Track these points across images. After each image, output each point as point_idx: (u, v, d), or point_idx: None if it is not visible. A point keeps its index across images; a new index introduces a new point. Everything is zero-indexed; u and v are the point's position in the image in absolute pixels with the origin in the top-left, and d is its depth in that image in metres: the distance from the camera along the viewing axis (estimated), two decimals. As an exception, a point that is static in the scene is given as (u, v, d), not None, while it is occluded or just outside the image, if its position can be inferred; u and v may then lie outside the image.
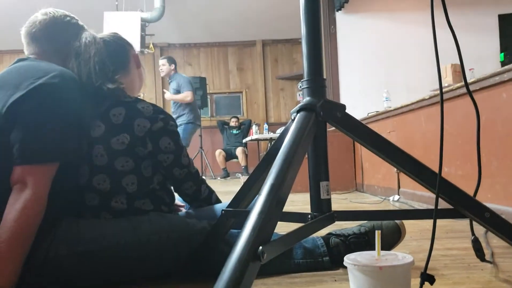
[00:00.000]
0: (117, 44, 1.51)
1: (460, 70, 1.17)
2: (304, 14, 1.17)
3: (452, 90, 2.53)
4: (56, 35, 1.42)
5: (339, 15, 5.51)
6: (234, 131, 8.27)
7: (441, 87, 1.07)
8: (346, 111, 1.13)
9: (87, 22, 1.42)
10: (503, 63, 5.07)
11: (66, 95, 1.24)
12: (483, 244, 1.39)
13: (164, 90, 6.02)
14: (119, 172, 1.30)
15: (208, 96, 8.45)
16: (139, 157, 1.33)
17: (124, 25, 6.02)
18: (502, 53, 5.28)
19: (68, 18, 1.46)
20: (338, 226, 1.47)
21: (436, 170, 1.04)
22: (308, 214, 1.11)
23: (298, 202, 3.45)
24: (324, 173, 1.14)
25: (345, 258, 1.01)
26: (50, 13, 1.43)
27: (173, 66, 5.86)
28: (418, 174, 1.10)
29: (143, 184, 1.34)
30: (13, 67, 1.33)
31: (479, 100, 1.24)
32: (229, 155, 8.10)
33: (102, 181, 1.30)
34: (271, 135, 6.49)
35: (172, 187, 1.48)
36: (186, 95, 5.75)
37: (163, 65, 5.86)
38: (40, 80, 1.20)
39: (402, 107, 3.35)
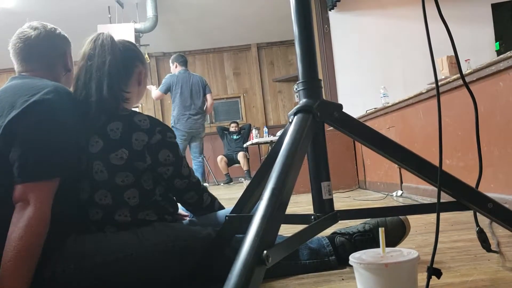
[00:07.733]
0: (129, 57, 1.47)
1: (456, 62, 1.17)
2: (295, 15, 1.17)
3: (448, 82, 2.53)
4: (51, 49, 1.42)
5: (332, 14, 5.52)
6: (235, 136, 8.25)
7: (436, 80, 1.07)
8: (344, 110, 1.13)
9: (81, 35, 1.42)
10: (498, 52, 5.07)
11: (61, 110, 1.24)
12: (489, 235, 1.39)
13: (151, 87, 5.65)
14: (119, 187, 1.30)
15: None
16: (138, 171, 1.32)
17: (118, 37, 5.93)
18: (497, 42, 5.28)
19: (58, 31, 1.47)
20: (343, 225, 1.47)
21: (438, 163, 1.04)
22: (311, 215, 1.11)
23: (302, 202, 3.45)
24: (325, 174, 1.14)
25: (350, 257, 1.01)
26: (40, 28, 1.41)
27: (173, 65, 5.67)
28: (419, 169, 1.10)
29: (145, 197, 1.33)
30: (8, 86, 1.32)
31: (476, 91, 1.24)
32: (231, 161, 8.09)
33: (104, 196, 1.30)
34: (271, 138, 6.49)
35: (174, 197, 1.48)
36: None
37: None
38: (34, 97, 1.20)
39: (400, 102, 3.35)
